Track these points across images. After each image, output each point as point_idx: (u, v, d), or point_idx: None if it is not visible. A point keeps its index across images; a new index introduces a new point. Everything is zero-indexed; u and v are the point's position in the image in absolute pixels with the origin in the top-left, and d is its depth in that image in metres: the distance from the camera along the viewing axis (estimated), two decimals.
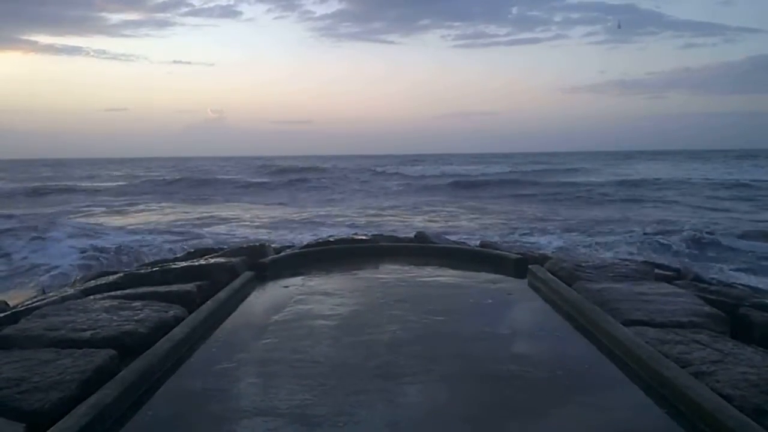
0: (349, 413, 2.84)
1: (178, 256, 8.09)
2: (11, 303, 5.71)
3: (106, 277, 5.81)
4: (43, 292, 6.77)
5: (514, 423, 2.81)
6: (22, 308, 4.81)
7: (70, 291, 5.38)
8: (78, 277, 7.49)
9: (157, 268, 5.69)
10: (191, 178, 43.17)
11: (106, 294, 4.78)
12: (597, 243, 14.32)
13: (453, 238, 10.61)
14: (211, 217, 21.14)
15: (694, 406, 2.71)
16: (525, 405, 2.97)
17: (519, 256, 6.32)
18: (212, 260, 5.86)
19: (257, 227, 18.33)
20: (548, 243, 14.19)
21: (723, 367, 3.03)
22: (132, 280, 5.27)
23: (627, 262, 5.98)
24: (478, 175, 42.43)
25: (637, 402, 2.98)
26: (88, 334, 3.59)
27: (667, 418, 2.79)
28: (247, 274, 5.57)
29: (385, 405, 2.95)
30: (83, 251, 12.51)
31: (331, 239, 7.57)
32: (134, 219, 21.17)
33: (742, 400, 2.68)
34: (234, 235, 16.42)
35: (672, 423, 2.74)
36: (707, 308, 4.08)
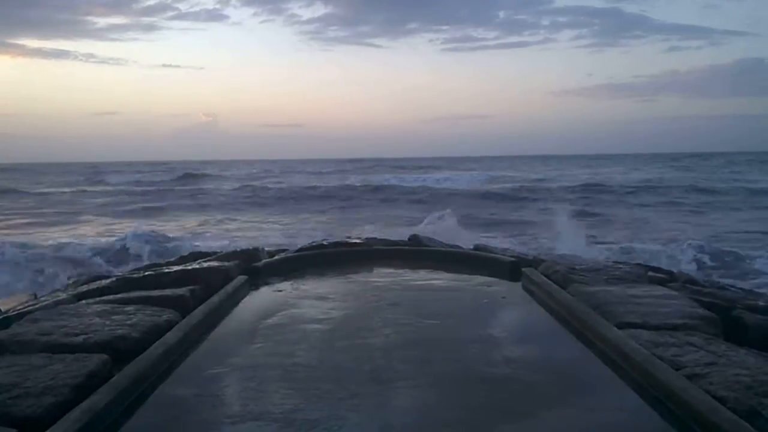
0: (342, 417, 2.83)
1: (172, 260, 8.05)
2: (3, 308, 5.68)
3: (99, 282, 5.78)
4: (35, 297, 6.73)
5: (508, 426, 2.80)
6: (14, 313, 4.78)
7: (63, 295, 5.35)
8: (70, 282, 7.44)
9: (150, 272, 5.67)
10: None
11: (98, 298, 4.74)
12: None
13: None
14: None
15: (688, 408, 2.71)
16: (519, 408, 2.97)
17: (513, 258, 6.33)
18: (206, 264, 5.83)
19: None
20: None
21: (717, 369, 3.04)
22: (125, 284, 5.24)
23: (620, 265, 5.99)
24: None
25: (630, 404, 2.99)
26: (80, 338, 3.57)
27: (660, 420, 2.79)
28: (241, 278, 5.55)
29: (378, 409, 2.95)
30: None
31: (324, 242, 7.55)
32: None
33: (735, 402, 2.68)
34: None
35: (666, 425, 2.74)
36: (701, 310, 4.09)
